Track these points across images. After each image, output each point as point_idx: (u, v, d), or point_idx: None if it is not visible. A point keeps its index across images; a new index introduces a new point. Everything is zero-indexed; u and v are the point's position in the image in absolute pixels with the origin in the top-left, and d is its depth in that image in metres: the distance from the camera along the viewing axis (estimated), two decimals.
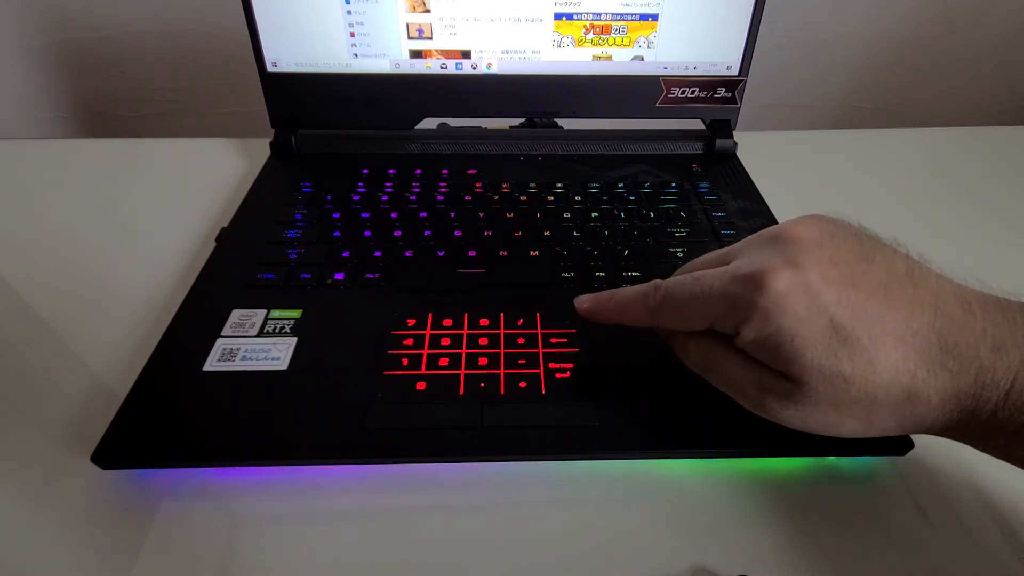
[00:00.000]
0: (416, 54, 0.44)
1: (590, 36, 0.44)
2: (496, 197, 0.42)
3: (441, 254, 0.37)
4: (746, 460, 0.27)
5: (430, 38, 0.43)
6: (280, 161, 0.47)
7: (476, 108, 0.46)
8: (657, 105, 0.46)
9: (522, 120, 0.49)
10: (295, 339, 0.30)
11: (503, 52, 0.44)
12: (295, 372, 0.29)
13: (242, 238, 0.38)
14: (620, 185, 0.44)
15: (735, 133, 0.48)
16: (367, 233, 0.38)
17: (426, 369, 0.29)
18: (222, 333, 0.31)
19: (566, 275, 0.35)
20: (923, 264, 0.22)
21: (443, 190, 0.43)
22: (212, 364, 0.29)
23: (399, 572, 0.24)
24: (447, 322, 0.31)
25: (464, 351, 0.30)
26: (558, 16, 0.43)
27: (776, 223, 0.40)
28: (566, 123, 0.49)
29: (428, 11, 0.42)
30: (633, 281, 0.35)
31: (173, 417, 0.27)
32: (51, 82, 0.70)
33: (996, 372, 0.20)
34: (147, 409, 0.27)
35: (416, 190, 0.43)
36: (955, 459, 0.27)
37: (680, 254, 0.37)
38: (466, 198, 0.42)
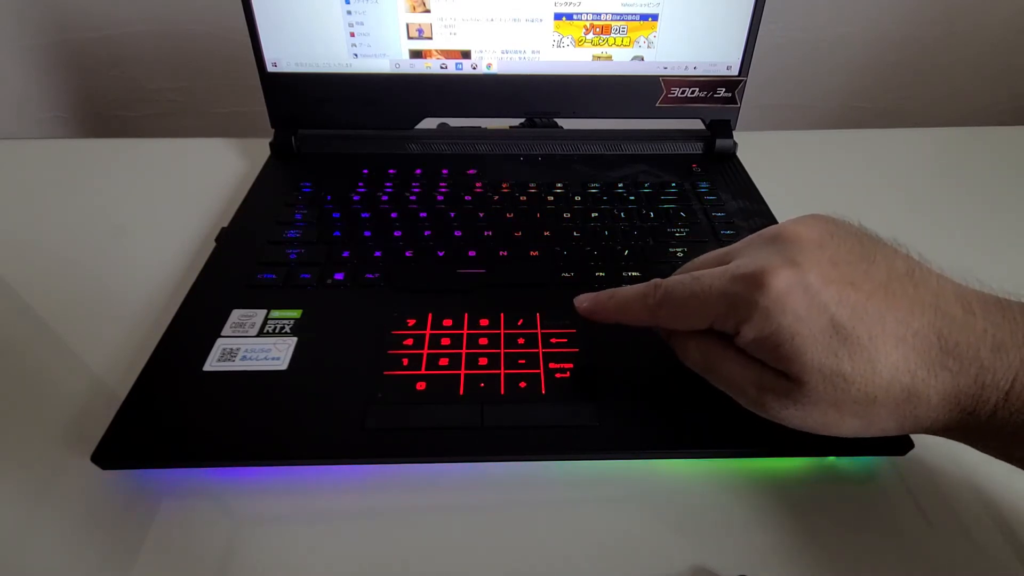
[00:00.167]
0: (416, 54, 0.44)
1: (590, 36, 0.44)
2: (496, 197, 0.42)
3: (441, 254, 0.37)
4: (746, 460, 0.27)
5: (430, 38, 0.43)
6: (280, 161, 0.47)
7: (476, 108, 0.46)
8: (657, 105, 0.46)
9: (522, 120, 0.49)
10: (295, 339, 0.30)
11: (503, 52, 0.44)
12: (295, 372, 0.29)
13: (242, 238, 0.38)
14: (620, 185, 0.44)
15: (735, 133, 0.48)
16: (367, 233, 0.38)
17: (426, 369, 0.29)
18: (222, 333, 0.31)
19: (566, 275, 0.35)
20: (923, 264, 0.22)
21: (443, 190, 0.43)
22: (212, 364, 0.29)
23: (399, 572, 0.24)
24: (447, 322, 0.31)
25: (464, 351, 0.30)
26: (558, 16, 0.43)
27: (776, 223, 0.40)
28: (566, 123, 0.49)
29: (428, 11, 0.42)
30: (633, 281, 0.35)
31: (173, 417, 0.27)
32: (51, 82, 0.70)
33: (996, 372, 0.20)
34: (147, 409, 0.27)
35: (416, 190, 0.43)
36: (955, 459, 0.27)
37: (680, 254, 0.37)
38: (466, 198, 0.42)
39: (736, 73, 0.46)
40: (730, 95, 0.46)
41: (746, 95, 0.46)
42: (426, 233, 0.38)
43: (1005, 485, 0.26)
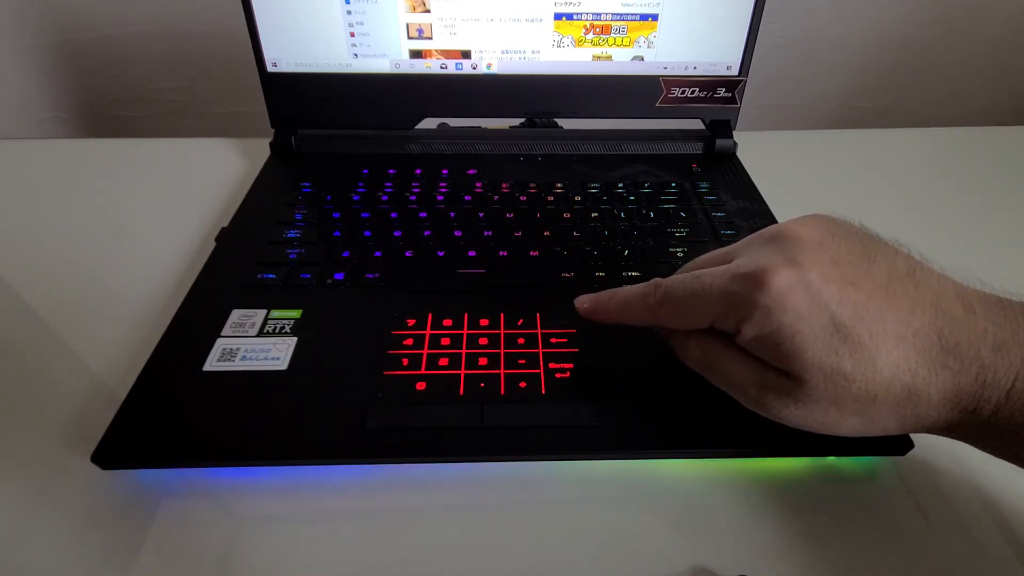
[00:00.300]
0: (416, 54, 0.44)
1: (590, 36, 0.44)
2: (496, 197, 0.42)
3: (441, 254, 0.37)
4: (746, 460, 0.27)
5: (430, 38, 0.43)
6: (280, 161, 0.47)
7: (476, 108, 0.46)
8: (657, 105, 0.46)
9: (522, 120, 0.49)
10: (295, 339, 0.30)
11: (503, 52, 0.44)
12: (295, 372, 0.29)
13: (242, 238, 0.38)
14: (620, 185, 0.44)
15: (735, 133, 0.48)
16: (367, 233, 0.38)
17: (426, 369, 0.29)
18: (222, 333, 0.31)
19: (566, 275, 0.35)
20: (924, 264, 0.22)
21: (443, 190, 0.43)
22: (212, 364, 0.29)
23: (399, 572, 0.24)
24: (447, 322, 0.31)
25: (464, 351, 0.30)
26: (558, 16, 0.43)
27: (776, 223, 0.40)
28: (566, 123, 0.49)
29: (428, 11, 0.42)
30: (633, 281, 0.35)
31: (173, 417, 0.27)
32: (51, 82, 0.70)
33: (997, 371, 0.20)
34: (147, 409, 0.27)
35: (416, 190, 0.43)
36: (955, 459, 0.27)
37: (680, 254, 0.37)
38: (466, 198, 0.42)
39: (736, 73, 0.46)
40: (730, 95, 0.46)
41: (746, 95, 0.46)
42: (426, 233, 0.38)
43: (1005, 485, 0.26)
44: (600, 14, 0.43)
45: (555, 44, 0.44)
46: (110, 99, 0.73)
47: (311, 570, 0.24)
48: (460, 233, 0.38)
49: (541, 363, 0.29)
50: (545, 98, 0.46)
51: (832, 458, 0.27)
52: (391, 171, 0.45)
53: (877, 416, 0.21)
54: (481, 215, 0.40)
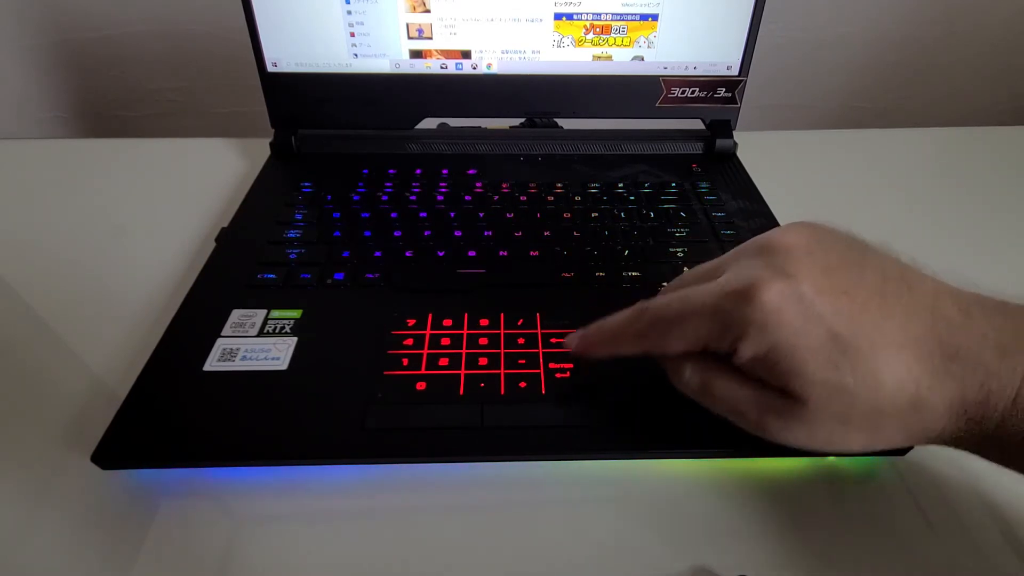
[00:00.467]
0: (416, 54, 0.44)
1: (590, 36, 0.44)
2: (496, 197, 0.42)
3: (441, 254, 0.37)
4: (746, 460, 0.27)
5: (430, 38, 0.43)
6: (280, 161, 0.47)
7: (476, 108, 0.46)
8: (657, 105, 0.46)
9: (522, 120, 0.49)
10: (295, 339, 0.30)
11: (503, 52, 0.44)
12: (295, 372, 0.29)
13: (242, 238, 0.38)
14: (620, 185, 0.44)
15: (735, 133, 0.48)
16: (367, 233, 0.38)
17: (426, 369, 0.29)
18: (222, 333, 0.31)
19: (566, 275, 0.35)
20: (916, 268, 0.22)
21: (443, 190, 0.43)
22: (212, 364, 0.29)
23: (399, 572, 0.24)
24: (447, 322, 0.31)
25: (464, 351, 0.30)
26: (558, 16, 0.43)
27: (776, 223, 0.40)
28: (566, 123, 0.49)
29: (428, 11, 0.42)
30: (633, 281, 0.35)
31: (173, 417, 0.27)
32: (51, 82, 0.70)
33: (1002, 377, 0.19)
34: (147, 409, 0.27)
35: (416, 190, 0.43)
36: (955, 459, 0.27)
37: (680, 254, 0.37)
38: (466, 198, 0.42)
39: (736, 73, 0.46)
40: (730, 95, 0.46)
41: (746, 95, 0.46)
42: (426, 233, 0.38)
43: (1006, 486, 0.26)
44: (600, 14, 0.43)
45: (555, 44, 0.44)
46: (110, 99, 0.73)
47: (311, 570, 0.24)
48: (460, 233, 0.38)
49: (541, 363, 0.29)
50: (545, 98, 0.46)
51: (832, 458, 0.27)
52: (391, 171, 0.45)
53: (884, 430, 0.21)
54: (481, 215, 0.40)
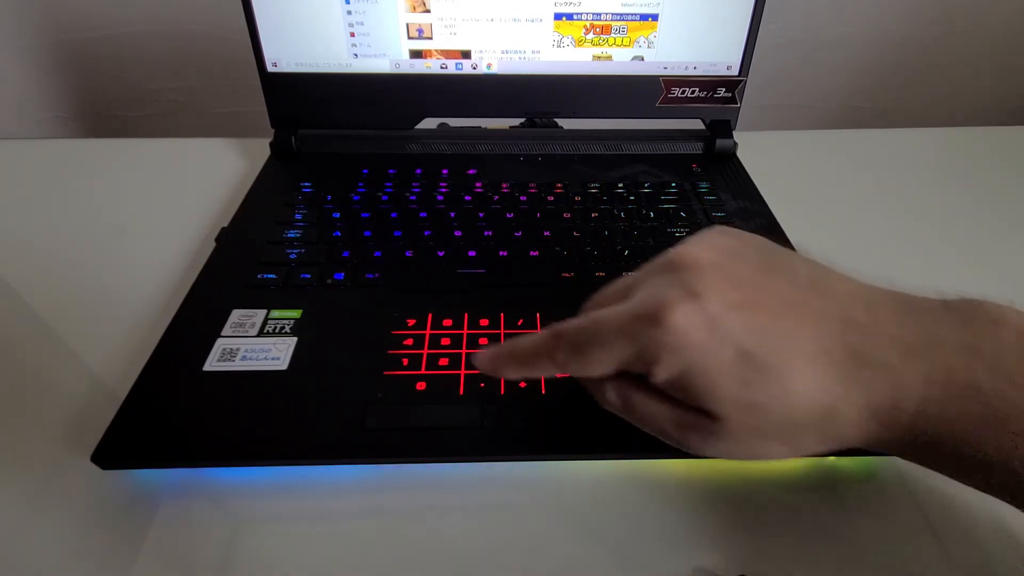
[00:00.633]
0: (416, 54, 0.44)
1: (590, 36, 0.44)
2: (496, 197, 0.42)
3: (441, 254, 0.37)
4: (746, 460, 0.27)
5: (430, 38, 0.43)
6: (280, 161, 0.47)
7: (476, 108, 0.46)
8: (657, 105, 0.46)
9: (522, 120, 0.49)
10: (295, 339, 0.30)
11: (503, 52, 0.44)
12: (295, 372, 0.29)
13: (242, 238, 0.38)
14: (620, 185, 0.44)
15: (735, 133, 0.48)
16: (367, 233, 0.38)
17: (426, 369, 0.29)
18: (222, 333, 0.31)
19: (566, 275, 0.35)
20: (828, 270, 0.22)
21: (443, 190, 0.43)
22: (212, 364, 0.29)
23: (399, 572, 0.24)
24: (447, 322, 0.31)
25: (464, 351, 0.30)
26: (558, 16, 0.43)
27: (776, 223, 0.40)
28: (566, 123, 0.49)
29: (428, 11, 0.42)
30: None
31: (173, 417, 0.27)
32: (51, 82, 0.70)
33: (907, 381, 0.19)
34: (147, 409, 0.27)
35: (416, 190, 0.43)
36: None
37: None
38: (466, 198, 0.42)
39: (736, 73, 0.46)
40: (730, 95, 0.46)
41: (746, 95, 0.46)
42: (426, 233, 0.38)
43: None
44: (600, 14, 0.43)
45: (555, 44, 0.44)
46: (110, 99, 0.73)
47: (311, 570, 0.24)
48: (460, 233, 0.38)
49: None
50: (545, 98, 0.46)
51: (832, 458, 0.27)
52: (391, 171, 0.45)
53: (802, 440, 0.21)
54: (481, 215, 0.40)
